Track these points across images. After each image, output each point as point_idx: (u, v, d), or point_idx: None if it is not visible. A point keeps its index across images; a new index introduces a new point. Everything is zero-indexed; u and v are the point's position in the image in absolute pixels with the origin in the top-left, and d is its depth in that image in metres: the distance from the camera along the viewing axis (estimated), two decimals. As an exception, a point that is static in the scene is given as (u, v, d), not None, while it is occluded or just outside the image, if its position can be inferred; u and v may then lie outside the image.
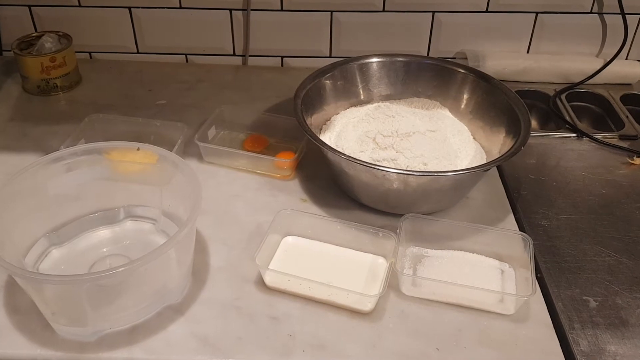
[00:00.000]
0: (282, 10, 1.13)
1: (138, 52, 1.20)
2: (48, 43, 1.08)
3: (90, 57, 1.21)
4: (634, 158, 0.96)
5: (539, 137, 1.02)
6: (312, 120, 0.89)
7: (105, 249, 0.76)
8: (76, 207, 0.78)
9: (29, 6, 1.15)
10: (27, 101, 1.08)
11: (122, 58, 1.21)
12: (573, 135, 1.02)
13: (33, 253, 0.73)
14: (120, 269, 0.59)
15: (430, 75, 0.97)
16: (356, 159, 0.76)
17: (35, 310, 0.66)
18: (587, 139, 1.01)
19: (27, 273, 0.62)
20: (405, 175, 0.76)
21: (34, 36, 1.10)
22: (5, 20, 1.16)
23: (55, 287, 0.63)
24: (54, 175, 0.74)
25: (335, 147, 0.82)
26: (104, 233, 0.79)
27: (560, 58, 1.15)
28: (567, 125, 1.04)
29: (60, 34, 1.11)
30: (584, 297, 0.72)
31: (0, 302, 0.69)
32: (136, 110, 1.04)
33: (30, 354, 0.64)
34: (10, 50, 1.08)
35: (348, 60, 0.96)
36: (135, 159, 0.76)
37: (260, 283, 0.72)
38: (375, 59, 0.97)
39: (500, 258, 0.76)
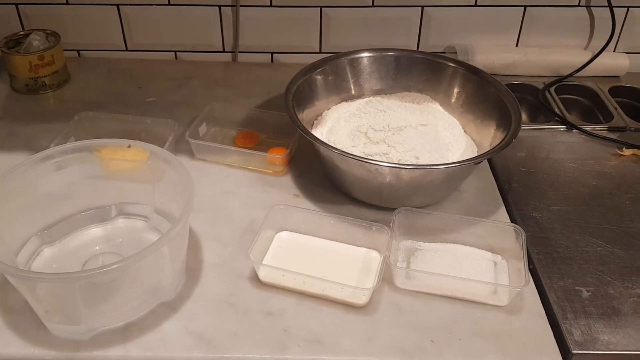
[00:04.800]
0: (271, 6, 1.13)
1: (127, 50, 1.19)
2: (36, 41, 1.07)
3: (79, 55, 1.20)
4: (624, 149, 0.97)
5: (529, 129, 1.02)
6: (304, 116, 0.89)
7: (97, 247, 0.76)
8: (67, 205, 0.77)
9: (16, 4, 1.14)
10: (15, 100, 1.07)
11: (110, 56, 1.20)
12: (563, 127, 1.03)
13: (24, 252, 0.73)
14: (113, 266, 0.59)
15: (420, 70, 0.97)
16: (349, 154, 0.76)
17: (28, 310, 0.66)
18: (577, 131, 1.02)
19: (20, 271, 0.62)
20: (397, 169, 0.76)
21: (21, 34, 1.09)
22: (-8, 19, 1.15)
23: (48, 286, 0.62)
24: (44, 173, 0.73)
25: (327, 142, 0.82)
26: (95, 231, 0.78)
27: (549, 51, 1.15)
28: (556, 118, 1.05)
29: (48, 32, 1.10)
30: (577, 288, 0.73)
31: (-7, 302, 0.69)
32: (126, 107, 1.04)
33: (24, 354, 0.64)
34: (-3, 49, 1.07)
35: (339, 55, 0.96)
36: (126, 156, 0.75)
37: (255, 279, 0.72)
38: (365, 54, 0.97)
39: (492, 250, 0.76)
